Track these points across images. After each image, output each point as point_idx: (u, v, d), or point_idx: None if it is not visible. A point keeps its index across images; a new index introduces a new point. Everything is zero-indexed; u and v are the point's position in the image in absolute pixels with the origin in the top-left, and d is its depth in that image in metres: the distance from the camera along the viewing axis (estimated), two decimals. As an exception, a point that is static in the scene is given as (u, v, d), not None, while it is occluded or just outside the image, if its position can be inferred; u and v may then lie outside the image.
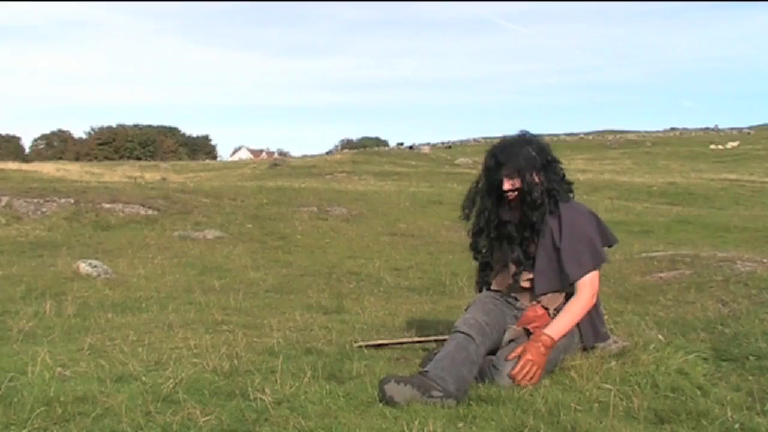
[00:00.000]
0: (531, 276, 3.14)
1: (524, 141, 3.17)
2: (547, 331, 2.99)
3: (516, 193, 3.10)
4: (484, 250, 3.27)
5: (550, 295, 3.13)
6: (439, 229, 10.49)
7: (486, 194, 3.20)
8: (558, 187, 3.14)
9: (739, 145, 49.02)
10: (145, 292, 5.41)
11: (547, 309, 3.11)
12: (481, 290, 3.34)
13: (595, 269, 3.11)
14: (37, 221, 9.53)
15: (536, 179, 3.10)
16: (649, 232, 10.74)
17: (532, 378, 2.86)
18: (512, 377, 2.86)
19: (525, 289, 3.17)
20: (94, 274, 5.95)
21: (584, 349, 3.16)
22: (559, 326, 3.01)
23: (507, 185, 3.09)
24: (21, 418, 2.43)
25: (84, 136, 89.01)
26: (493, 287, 3.28)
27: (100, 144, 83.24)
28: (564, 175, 3.22)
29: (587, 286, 3.07)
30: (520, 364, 2.88)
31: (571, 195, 3.22)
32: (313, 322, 4.26)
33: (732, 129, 72.40)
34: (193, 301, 5.07)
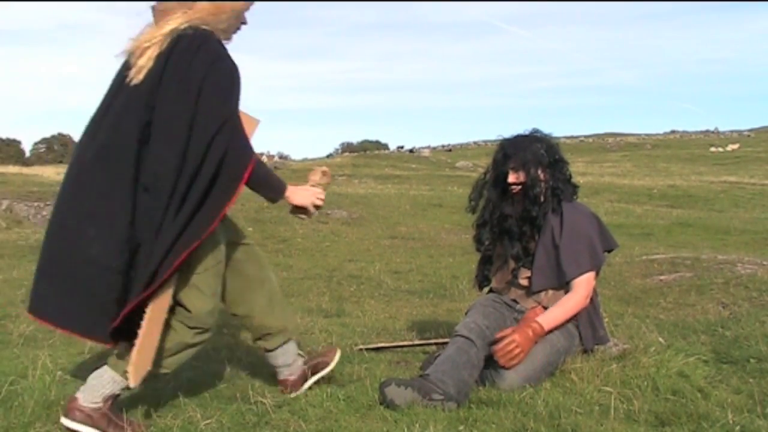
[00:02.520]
0: (529, 274, 3.16)
1: (534, 138, 3.22)
2: (539, 319, 3.00)
3: (520, 187, 3.12)
4: (487, 243, 3.29)
5: (551, 294, 3.13)
6: (439, 232, 10.49)
7: (492, 186, 3.24)
8: (563, 187, 3.16)
9: (739, 147, 49.02)
10: (145, 296, 5.40)
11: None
12: (480, 285, 3.36)
13: (592, 270, 3.11)
14: (38, 225, 9.54)
15: (541, 175, 3.13)
16: (650, 235, 10.73)
17: (513, 359, 2.86)
18: (494, 353, 2.87)
19: (524, 290, 3.17)
20: (95, 277, 5.94)
21: (584, 351, 3.16)
22: (551, 317, 3.02)
23: (512, 178, 3.12)
24: (22, 421, 2.43)
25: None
26: (492, 284, 3.30)
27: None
28: (570, 177, 3.25)
29: (583, 285, 3.08)
30: (505, 341, 2.88)
31: (575, 197, 3.24)
32: (314, 326, 4.27)
33: (732, 131, 72.41)
34: (194, 305, 5.06)
